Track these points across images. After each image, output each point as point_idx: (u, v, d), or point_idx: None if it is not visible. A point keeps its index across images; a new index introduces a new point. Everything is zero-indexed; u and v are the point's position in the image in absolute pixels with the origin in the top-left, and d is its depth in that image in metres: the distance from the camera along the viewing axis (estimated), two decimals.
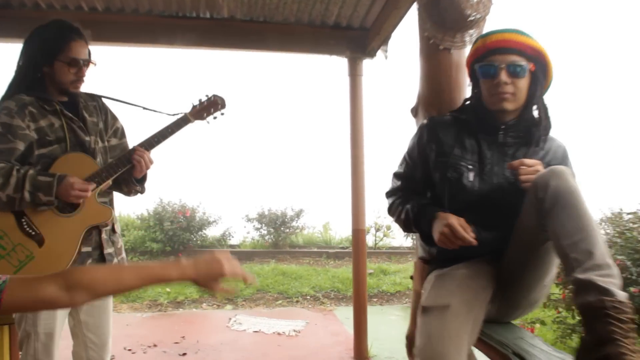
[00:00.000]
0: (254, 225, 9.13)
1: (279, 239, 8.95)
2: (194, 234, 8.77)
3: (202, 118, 2.38)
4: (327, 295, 6.89)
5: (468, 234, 1.70)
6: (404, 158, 2.12)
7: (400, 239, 9.77)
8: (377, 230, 9.32)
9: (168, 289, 6.79)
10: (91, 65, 2.22)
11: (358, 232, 4.59)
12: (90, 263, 2.16)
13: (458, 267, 1.86)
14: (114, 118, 2.39)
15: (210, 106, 2.38)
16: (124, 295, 6.62)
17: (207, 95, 2.39)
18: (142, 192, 2.41)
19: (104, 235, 2.23)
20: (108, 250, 2.24)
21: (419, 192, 2.05)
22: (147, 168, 2.23)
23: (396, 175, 2.14)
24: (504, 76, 1.80)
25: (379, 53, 4.31)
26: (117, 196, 2.42)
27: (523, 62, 1.82)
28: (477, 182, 1.87)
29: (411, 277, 2.46)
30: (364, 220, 4.63)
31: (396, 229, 9.56)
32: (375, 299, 6.92)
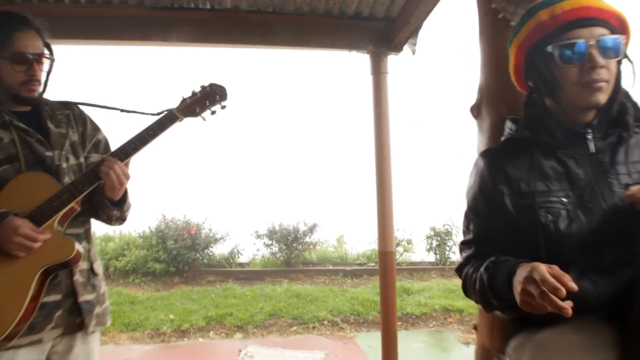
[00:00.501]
0: (264, 242, 8.52)
1: (292, 257, 8.34)
2: (200, 252, 8.19)
3: (194, 114, 1.84)
4: (347, 320, 6.27)
5: (565, 284, 1.05)
6: (467, 217, 1.51)
7: (422, 253, 9.16)
8: (397, 245, 8.67)
9: (172, 316, 6.22)
10: (50, 63, 1.76)
11: (386, 255, 3.99)
12: (61, 315, 1.66)
13: (562, 330, 1.27)
14: (96, 129, 1.90)
15: (205, 98, 1.84)
16: (123, 323, 6.06)
17: (202, 86, 1.87)
18: (121, 218, 1.86)
19: (77, 278, 1.71)
20: (85, 297, 1.73)
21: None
22: (122, 184, 1.68)
23: (464, 244, 1.51)
24: (598, 57, 1.26)
25: (406, 47, 3.73)
26: None
27: (615, 35, 1.29)
28: (582, 216, 1.29)
29: (474, 328, 1.89)
30: (392, 241, 4.04)
31: (417, 243, 8.95)
32: (399, 322, 6.28)
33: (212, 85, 1.85)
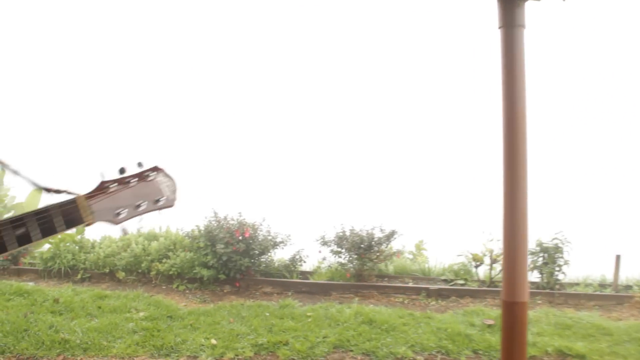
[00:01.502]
0: (331, 249, 7.11)
1: (364, 269, 6.88)
2: (256, 258, 6.92)
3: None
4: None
5: None
6: None
7: None
8: (494, 261, 7.03)
9: (214, 341, 4.99)
10: None
11: (514, 308, 2.56)
12: None
13: None
14: None
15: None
16: (155, 345, 4.90)
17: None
18: None
19: None
20: None
21: None
22: None
23: None
24: None
25: None
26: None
27: None
28: None
29: None
30: (524, 285, 2.59)
31: None
32: None
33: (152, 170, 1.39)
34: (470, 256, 7.23)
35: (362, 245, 6.80)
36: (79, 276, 7.22)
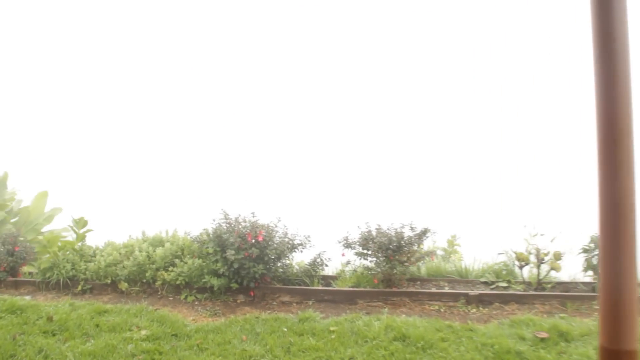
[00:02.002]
0: (356, 252, 6.31)
1: (393, 273, 6.07)
2: (271, 264, 6.17)
3: None
4: None
5: None
6: None
7: (571, 268, 6.56)
8: (541, 261, 6.16)
9: None
10: None
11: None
12: None
13: None
14: None
15: None
16: None
17: None
18: None
19: None
20: None
21: None
22: None
23: None
24: None
25: None
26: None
27: None
28: None
29: None
30: (636, 322, 1.77)
31: (567, 256, 6.36)
32: None
33: None
34: (514, 255, 6.38)
35: (390, 246, 6.00)
36: (80, 288, 6.58)
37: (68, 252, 6.80)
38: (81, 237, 7.01)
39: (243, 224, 6.18)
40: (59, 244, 6.95)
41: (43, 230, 9.92)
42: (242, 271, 5.87)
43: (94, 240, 7.82)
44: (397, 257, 6.06)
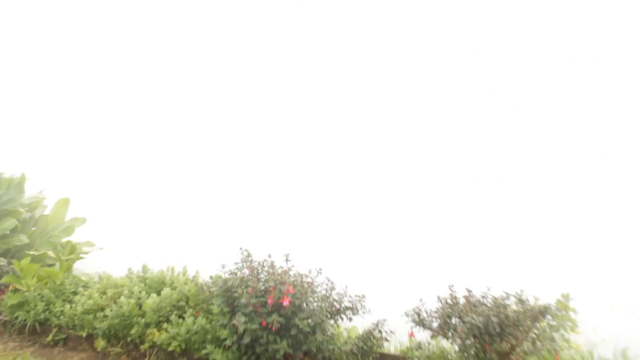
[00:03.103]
0: (432, 334, 4.17)
1: None
2: (301, 338, 4.15)
3: None
4: None
5: None
6: None
7: None
8: None
9: None
10: None
11: None
12: None
13: None
14: None
15: None
16: None
17: None
18: None
19: None
20: None
21: None
22: None
23: None
24: None
25: None
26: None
27: None
28: None
29: None
30: None
31: None
32: None
33: None
34: None
35: (490, 331, 3.85)
36: (50, 337, 4.87)
37: (47, 286, 5.18)
38: (66, 267, 5.36)
39: (268, 270, 4.25)
40: (41, 273, 5.32)
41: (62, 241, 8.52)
42: (258, 346, 3.92)
43: (106, 262, 6.25)
44: (496, 345, 3.89)
